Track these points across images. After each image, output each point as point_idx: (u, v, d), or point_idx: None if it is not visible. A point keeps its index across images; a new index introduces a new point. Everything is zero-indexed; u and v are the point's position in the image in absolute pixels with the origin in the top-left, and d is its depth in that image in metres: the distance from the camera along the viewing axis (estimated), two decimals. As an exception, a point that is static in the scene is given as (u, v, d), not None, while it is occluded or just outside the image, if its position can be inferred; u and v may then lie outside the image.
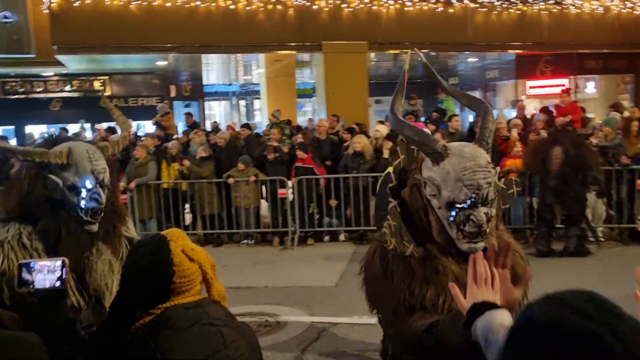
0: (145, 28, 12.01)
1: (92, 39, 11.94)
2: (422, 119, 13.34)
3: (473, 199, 2.10)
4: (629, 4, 14.53)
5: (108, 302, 2.60)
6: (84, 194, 2.61)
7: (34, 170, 2.65)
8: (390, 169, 4.18)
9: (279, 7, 12.60)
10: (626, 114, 10.14)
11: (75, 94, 17.40)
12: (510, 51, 15.36)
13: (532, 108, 15.39)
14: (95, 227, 2.65)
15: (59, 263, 1.88)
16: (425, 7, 13.26)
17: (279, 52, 13.99)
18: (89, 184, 2.62)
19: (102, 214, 2.68)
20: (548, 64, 16.39)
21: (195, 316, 1.63)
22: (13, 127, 16.83)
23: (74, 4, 11.74)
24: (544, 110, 11.34)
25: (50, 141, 2.82)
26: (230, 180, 9.05)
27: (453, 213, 2.13)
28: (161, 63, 16.28)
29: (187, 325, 1.60)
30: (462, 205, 2.11)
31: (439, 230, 2.21)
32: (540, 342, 0.90)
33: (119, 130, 13.33)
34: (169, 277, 1.65)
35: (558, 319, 0.91)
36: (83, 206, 2.61)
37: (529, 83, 16.94)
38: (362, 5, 12.90)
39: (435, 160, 2.20)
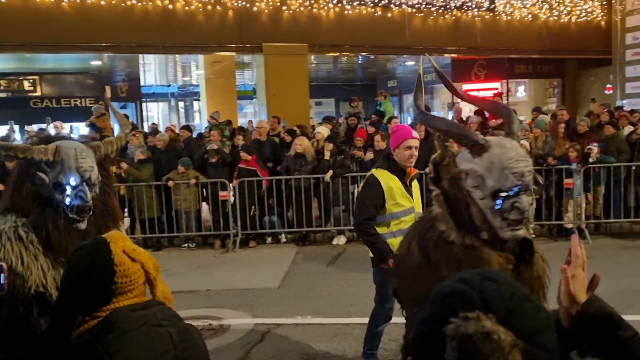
0: (78, 26, 11.60)
1: (21, 37, 11.42)
2: (362, 120, 13.57)
3: (519, 186, 2.18)
4: (555, 12, 15.31)
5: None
6: (68, 191, 2.64)
7: (24, 166, 2.73)
8: (373, 171, 4.09)
9: (218, 8, 12.48)
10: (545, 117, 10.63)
11: (3, 94, 16.60)
12: (446, 55, 15.85)
13: (468, 110, 15.93)
14: (82, 225, 2.67)
15: None
16: (364, 11, 13.49)
17: (219, 53, 13.86)
18: (73, 181, 2.64)
19: (92, 212, 2.70)
20: (482, 68, 17.03)
21: (142, 317, 1.61)
22: None
23: (1, 1, 11.21)
24: (478, 112, 11.75)
25: (44, 138, 2.87)
26: (170, 183, 8.89)
27: (499, 202, 2.19)
28: (96, 63, 15.78)
29: (134, 327, 1.58)
30: (507, 194, 2.19)
31: (482, 220, 2.25)
32: (434, 300, 1.14)
33: (52, 132, 12.83)
34: (110, 277, 1.63)
35: (447, 286, 1.14)
36: (68, 203, 2.64)
37: (465, 86, 17.50)
38: (302, 8, 12.97)
39: (477, 152, 2.26)
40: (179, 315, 1.79)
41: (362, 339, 5.16)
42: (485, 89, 16.84)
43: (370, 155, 9.01)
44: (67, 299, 1.68)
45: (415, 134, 4.12)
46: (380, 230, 4.03)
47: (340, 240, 9.15)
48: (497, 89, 16.66)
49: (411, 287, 2.45)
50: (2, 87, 16.56)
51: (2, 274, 1.82)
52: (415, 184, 4.21)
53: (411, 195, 4.11)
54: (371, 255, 4.16)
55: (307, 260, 8.24)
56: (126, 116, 13.13)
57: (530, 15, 15.07)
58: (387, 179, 4.01)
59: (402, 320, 5.34)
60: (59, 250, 2.64)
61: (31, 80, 16.86)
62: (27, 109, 16.27)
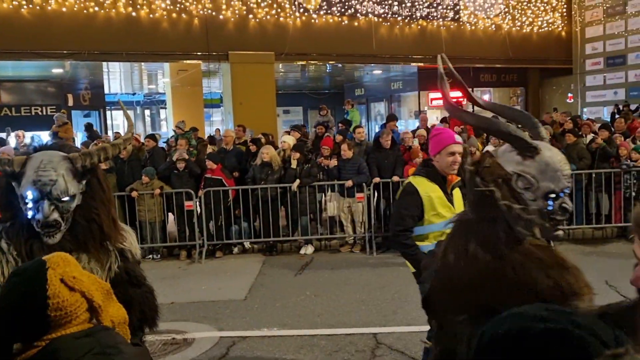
0: (38, 33, 11.33)
1: (-22, 44, 11.10)
2: (331, 128, 13.57)
3: (568, 188, 2.24)
4: (517, 23, 15.64)
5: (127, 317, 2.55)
6: (30, 204, 2.52)
7: (4, 177, 2.63)
8: (410, 179, 3.72)
9: (183, 15, 12.35)
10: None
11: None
12: (413, 64, 16.01)
13: (434, 118, 16.11)
14: (51, 240, 2.52)
15: None
16: (331, 20, 13.53)
17: (185, 61, 13.70)
18: (30, 195, 2.52)
19: (69, 228, 2.57)
20: (447, 77, 17.21)
21: (85, 346, 1.53)
22: None
23: (-43, 6, 10.88)
24: (444, 120, 11.88)
25: (38, 149, 2.76)
26: (134, 194, 8.70)
27: (550, 203, 2.23)
28: (57, 70, 15.42)
29: (76, 356, 1.49)
30: (557, 195, 2.23)
31: (531, 222, 2.24)
32: (515, 352, 0.98)
33: (12, 142, 12.44)
34: (42, 310, 1.52)
35: (527, 328, 1.00)
36: (30, 217, 2.54)
37: (431, 95, 17.72)
38: (269, 17, 12.94)
39: (530, 154, 2.26)
40: (126, 340, 1.70)
41: (328, 350, 5.11)
42: (452, 96, 17.05)
43: (334, 162, 9.00)
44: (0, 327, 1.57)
45: (458, 138, 3.78)
46: (420, 243, 3.68)
47: (308, 249, 9.09)
48: (463, 97, 16.90)
49: (469, 294, 2.27)
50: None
51: None
52: (456, 193, 3.83)
53: (453, 205, 3.75)
54: (412, 270, 3.81)
55: (274, 270, 8.15)
56: (91, 125, 12.89)
57: (493, 26, 15.36)
58: (426, 188, 3.68)
59: (405, 329, 5.36)
60: None
61: (-10, 88, 16.38)
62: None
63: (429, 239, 3.68)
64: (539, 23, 16.12)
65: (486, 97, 18.51)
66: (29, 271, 1.59)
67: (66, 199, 2.54)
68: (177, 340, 5.50)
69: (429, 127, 11.66)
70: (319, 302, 6.53)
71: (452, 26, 14.82)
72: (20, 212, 2.57)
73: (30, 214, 2.52)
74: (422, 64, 16.10)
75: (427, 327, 5.45)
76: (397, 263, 8.25)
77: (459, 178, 3.81)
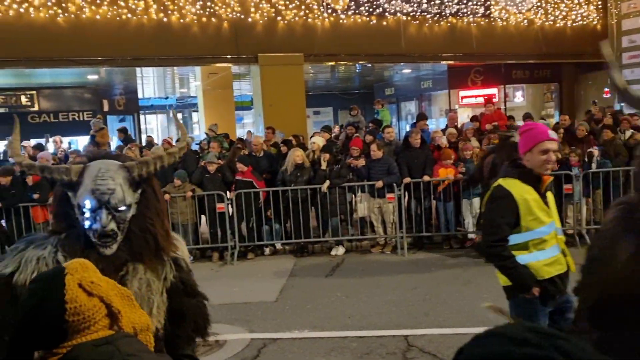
0: (73, 41, 11.60)
1: (17, 52, 11.43)
2: (361, 128, 13.54)
3: None
4: (550, 17, 15.31)
5: (151, 324, 2.46)
6: (87, 214, 2.46)
7: (59, 186, 2.59)
8: (500, 182, 3.36)
9: (213, 19, 12.49)
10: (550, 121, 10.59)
11: (1, 110, 16.60)
12: (442, 62, 15.83)
13: (465, 117, 15.91)
14: (107, 251, 2.46)
15: None
16: (359, 20, 13.49)
17: (215, 64, 13.85)
18: (88, 204, 2.46)
19: (120, 238, 2.48)
20: (478, 74, 17.01)
21: (105, 353, 1.52)
22: None
23: (-3, 17, 11.24)
24: (474, 119, 11.72)
25: (91, 157, 2.69)
26: (166, 197, 8.84)
27: None
28: (93, 77, 15.79)
29: None
30: None
31: None
32: None
33: (50, 148, 12.75)
34: (60, 315, 1.52)
35: (508, 353, 0.92)
36: (87, 227, 2.47)
37: (462, 93, 17.51)
38: (297, 18, 12.98)
39: None
40: (148, 348, 1.72)
41: (359, 352, 5.10)
42: (483, 94, 16.83)
43: (362, 162, 8.96)
44: (19, 334, 1.58)
45: (553, 134, 3.41)
46: (517, 253, 3.31)
47: (339, 250, 9.09)
48: (494, 94, 16.63)
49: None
50: (-1, 103, 16.57)
51: None
52: (549, 195, 3.48)
53: (548, 207, 3.39)
54: (504, 284, 3.45)
55: (305, 271, 8.17)
56: (125, 130, 13.14)
57: (525, 21, 15.06)
58: (520, 190, 3.30)
59: (437, 331, 5.31)
60: (102, 274, 2.56)
61: (29, 95, 16.87)
62: (25, 124, 16.23)
63: (528, 248, 3.32)
64: (573, 17, 15.73)
65: (519, 94, 18.21)
66: (48, 277, 1.61)
67: (123, 208, 2.49)
68: (209, 342, 5.54)
69: (458, 126, 11.50)
70: (350, 304, 6.52)
71: (482, 22, 14.58)
72: (76, 222, 2.53)
73: (87, 224, 2.47)
74: (452, 62, 15.91)
75: (460, 329, 5.40)
76: (428, 264, 8.19)
77: (552, 178, 3.51)
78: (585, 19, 15.80)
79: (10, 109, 16.62)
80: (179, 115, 24.68)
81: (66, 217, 2.55)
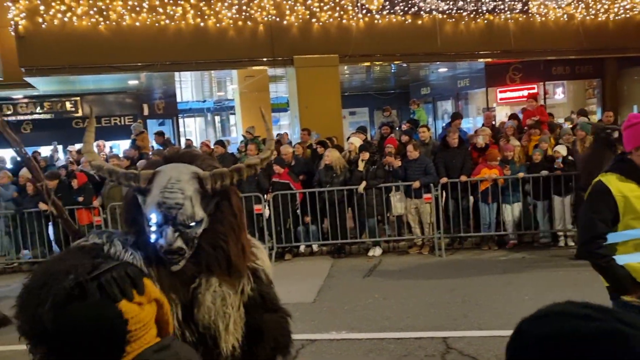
0: (114, 48, 11.93)
1: (61, 60, 11.82)
2: (396, 129, 13.49)
3: None
4: (591, 11, 14.90)
5: (225, 341, 2.35)
6: (153, 227, 2.28)
7: (132, 190, 2.41)
8: (600, 177, 3.17)
9: (249, 23, 12.64)
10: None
11: (47, 116, 17.18)
12: (480, 60, 15.60)
13: (503, 115, 15.65)
14: (174, 267, 2.28)
15: None
16: (394, 20, 13.42)
17: (251, 67, 14.01)
18: (154, 218, 2.27)
19: (189, 254, 2.29)
20: (517, 72, 16.70)
21: (169, 357, 1.50)
22: (-18, 151, 16.53)
23: (42, 26, 11.63)
24: (513, 117, 11.51)
25: (167, 157, 2.49)
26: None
27: None
28: (133, 82, 16.17)
29: None
30: None
31: None
32: (565, 354, 0.92)
33: (60, 156, 13.01)
34: (122, 327, 1.41)
35: (577, 329, 0.93)
36: (152, 240, 2.28)
37: (499, 90, 17.22)
38: (332, 19, 13.01)
39: None
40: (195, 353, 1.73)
41: (397, 354, 5.08)
42: (522, 92, 16.53)
43: (398, 162, 8.92)
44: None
45: None
46: (616, 253, 3.12)
47: (376, 251, 9.07)
48: (537, 93, 16.28)
49: None
50: (45, 109, 17.14)
51: None
52: None
53: None
54: (605, 284, 3.25)
55: (342, 272, 8.18)
56: (162, 133, 13.40)
57: (565, 16, 14.70)
58: (620, 186, 3.11)
59: (476, 334, 5.25)
60: (172, 286, 2.31)
61: (73, 101, 17.39)
62: (70, 129, 16.78)
63: (628, 248, 3.10)
64: (615, 9, 15.27)
65: (559, 90, 17.79)
66: (94, 300, 1.44)
67: (192, 224, 2.26)
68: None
69: (496, 125, 11.31)
70: (388, 305, 6.51)
71: (520, 18, 14.30)
72: (144, 230, 2.33)
73: (153, 237, 2.28)
74: (489, 60, 15.67)
75: (500, 332, 5.32)
76: (467, 265, 8.09)
77: None
78: (628, 11, 15.31)
79: (56, 115, 17.19)
80: (217, 118, 25.08)
81: (134, 224, 2.38)
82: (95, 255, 2.07)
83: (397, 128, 12.58)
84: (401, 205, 8.98)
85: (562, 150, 8.53)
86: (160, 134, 13.27)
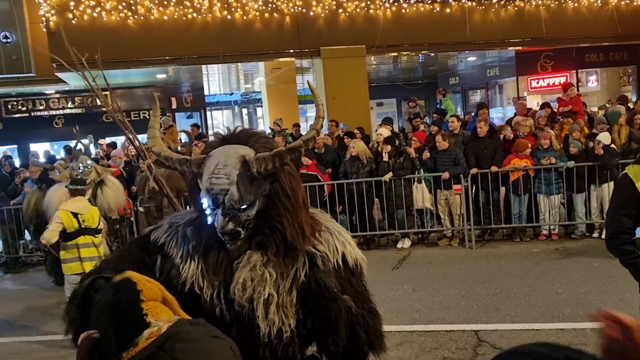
0: (143, 42, 12.04)
1: (91, 55, 11.94)
2: (428, 120, 13.34)
3: None
4: (627, -4, 14.45)
5: (264, 321, 2.37)
6: (208, 210, 2.39)
7: (193, 175, 2.52)
8: (627, 169, 3.05)
9: (275, 15, 12.60)
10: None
11: (78, 110, 17.46)
12: (510, 48, 15.29)
13: (534, 104, 15.33)
14: (231, 247, 2.39)
15: None
16: (422, 9, 13.23)
17: (278, 59, 13.99)
18: (205, 202, 2.37)
19: (245, 235, 2.38)
20: (548, 60, 16.31)
21: (203, 328, 1.64)
22: (16, 146, 16.92)
23: (72, 21, 11.80)
24: (546, 106, 11.26)
25: (222, 138, 2.55)
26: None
27: None
28: (161, 76, 16.31)
29: (200, 337, 1.60)
30: None
31: None
32: None
33: (119, 145, 13.31)
34: (137, 302, 1.62)
35: None
36: (209, 222, 2.40)
37: (531, 79, 16.87)
38: (359, 10, 12.89)
39: None
40: None
41: (428, 347, 5.03)
42: (554, 80, 16.18)
43: (426, 155, 8.81)
44: (105, 339, 1.64)
45: None
46: None
47: (405, 243, 9.00)
48: (566, 79, 15.91)
49: None
50: (76, 103, 17.42)
51: None
52: None
53: None
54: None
55: (371, 264, 8.04)
56: (197, 125, 13.48)
57: (599, 1, 14.28)
58: None
59: (509, 327, 5.16)
60: (216, 262, 2.43)
61: (103, 96, 17.63)
62: (100, 124, 17.04)
63: None
64: (652, -6, 14.79)
65: (593, 78, 17.33)
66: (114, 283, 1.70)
67: (243, 207, 2.32)
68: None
69: (527, 114, 11.06)
70: (417, 297, 6.45)
71: (552, 5, 13.94)
72: (203, 210, 2.45)
73: (209, 219, 2.38)
74: (520, 48, 15.33)
75: (533, 325, 5.22)
76: (498, 257, 7.97)
77: None
78: (665, -4, 14.80)
79: (86, 109, 17.45)
80: (244, 111, 25.20)
81: (196, 203, 2.48)
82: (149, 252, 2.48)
83: (414, 118, 12.44)
84: (425, 197, 8.83)
85: (604, 138, 8.27)
86: (195, 126, 13.38)
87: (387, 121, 10.99)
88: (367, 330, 2.55)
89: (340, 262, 2.56)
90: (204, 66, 15.03)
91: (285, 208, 2.39)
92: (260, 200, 2.36)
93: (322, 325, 2.46)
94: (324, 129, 11.29)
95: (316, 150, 9.81)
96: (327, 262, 2.49)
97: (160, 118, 14.27)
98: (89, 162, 7.08)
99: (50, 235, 5.86)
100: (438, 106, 13.67)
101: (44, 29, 12.07)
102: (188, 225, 2.54)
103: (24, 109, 16.93)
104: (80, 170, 6.98)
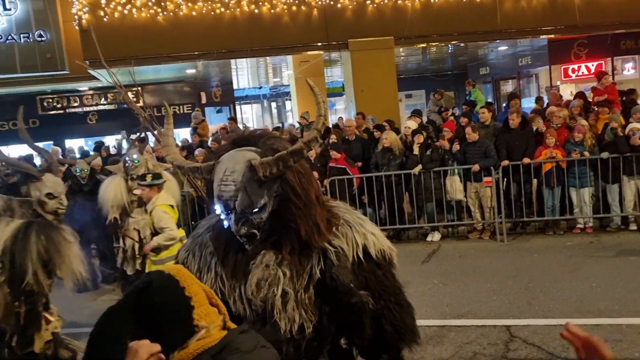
0: (172, 38, 12.18)
1: (122, 52, 12.15)
2: (458, 111, 13.17)
3: None
4: (665, -21, 13.95)
5: (283, 319, 2.40)
6: (222, 215, 2.45)
7: (206, 181, 2.61)
8: None
9: (303, 8, 12.59)
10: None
11: (111, 107, 17.79)
12: (542, 36, 14.95)
13: (568, 93, 14.98)
14: (248, 247, 2.44)
15: None
16: (451, -2, 13.03)
17: (306, 52, 13.98)
18: (218, 208, 2.43)
19: (261, 236, 2.42)
20: (582, 47, 15.90)
21: (253, 339, 1.67)
22: (52, 142, 17.31)
23: (103, 19, 12.00)
24: (579, 95, 10.99)
25: (234, 141, 2.58)
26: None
27: None
28: (191, 71, 16.48)
29: (250, 347, 1.63)
30: None
31: None
32: None
33: (151, 142, 13.53)
34: (187, 305, 1.62)
35: None
36: (226, 226, 2.45)
37: (564, 68, 16.48)
38: (387, 1, 12.77)
39: None
40: None
41: (458, 342, 4.98)
42: (588, 68, 15.77)
43: (456, 147, 8.69)
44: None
45: None
46: None
47: (435, 236, 8.93)
48: (601, 67, 15.48)
49: None
50: (109, 100, 17.75)
51: None
52: None
53: None
54: None
55: (400, 258, 8.00)
56: (234, 119, 13.57)
57: (635, -15, 13.84)
58: None
59: (541, 322, 5.09)
60: (235, 263, 2.47)
61: (134, 92, 17.90)
62: (132, 119, 17.30)
63: None
64: (692, -23, 14.25)
65: (629, 66, 16.83)
66: (160, 278, 1.69)
67: (255, 210, 2.36)
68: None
69: (561, 104, 10.81)
70: (447, 292, 6.40)
71: (586, -9, 13.59)
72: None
73: (225, 224, 2.44)
74: (552, 36, 14.97)
75: (566, 320, 5.11)
76: (530, 250, 7.84)
77: None
78: None
79: (119, 105, 17.76)
80: (273, 105, 25.28)
81: (214, 209, 2.54)
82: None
83: (444, 111, 12.28)
84: (458, 189, 8.73)
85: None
86: (233, 120, 13.50)
87: (416, 113, 10.89)
88: (394, 324, 2.54)
89: (362, 255, 2.56)
90: (232, 60, 15.12)
91: (297, 207, 2.42)
92: (272, 202, 2.39)
93: (344, 320, 2.45)
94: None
95: (347, 138, 9.82)
96: (343, 257, 2.49)
97: (192, 113, 14.43)
98: (134, 156, 6.93)
99: (175, 233, 5.41)
100: (467, 97, 13.48)
101: (77, 27, 12.31)
102: (208, 231, 2.60)
103: (59, 106, 17.33)
104: (127, 165, 6.82)
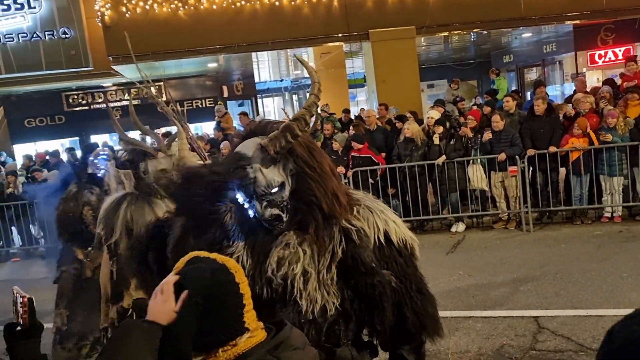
0: (194, 32, 12.24)
1: (145, 47, 12.25)
2: (481, 100, 13.00)
3: None
4: (696, -40, 13.54)
5: (305, 299, 2.39)
6: (245, 204, 2.47)
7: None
8: None
9: (323, -1, 12.54)
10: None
11: (134, 102, 17.96)
12: (568, 22, 14.63)
13: (594, 80, 14.68)
14: (275, 230, 2.44)
15: (19, 299, 1.63)
16: (473, -15, 12.83)
17: (326, 44, 13.92)
18: (240, 197, 2.44)
19: (287, 216, 2.42)
20: (609, 32, 15.53)
21: (301, 335, 1.71)
22: (77, 138, 17.59)
23: (125, 15, 12.11)
24: (608, 82, 10.74)
25: (244, 136, 2.60)
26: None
27: None
28: (212, 65, 16.55)
29: (302, 345, 1.67)
30: None
31: None
32: None
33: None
34: (241, 302, 1.62)
35: None
36: (251, 215, 2.47)
37: (590, 54, 16.13)
38: (408, -10, 12.63)
39: None
40: None
41: (485, 333, 4.93)
42: (615, 54, 15.41)
43: (488, 135, 8.53)
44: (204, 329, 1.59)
45: None
46: None
47: (459, 227, 8.84)
48: (629, 52, 15.12)
49: None
50: (132, 95, 17.93)
51: (18, 305, 1.62)
52: None
53: None
54: None
55: (424, 249, 7.93)
56: (246, 114, 13.63)
57: (665, -33, 13.46)
58: None
59: (570, 313, 5.01)
60: (259, 244, 2.48)
61: (157, 87, 18.06)
62: (155, 113, 17.45)
63: None
64: None
65: (659, 51, 16.38)
66: (209, 267, 1.65)
67: (274, 190, 2.38)
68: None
69: (588, 90, 10.58)
70: (473, 282, 6.34)
71: (612, -26, 13.26)
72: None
73: (250, 212, 2.44)
74: (578, 22, 14.64)
75: (597, 311, 5.03)
76: (557, 240, 7.72)
77: None
78: None
79: (143, 100, 17.93)
80: (294, 97, 25.28)
81: (233, 201, 2.55)
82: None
83: (460, 101, 12.11)
84: (481, 178, 8.61)
85: None
86: (244, 114, 13.54)
87: (438, 103, 10.78)
88: (416, 311, 2.52)
89: (383, 240, 2.54)
90: (253, 53, 15.14)
91: (314, 179, 2.43)
92: (290, 180, 2.41)
93: (366, 303, 2.45)
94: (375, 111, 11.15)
95: (368, 127, 9.78)
96: (364, 237, 2.48)
97: (215, 107, 14.47)
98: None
99: None
100: (491, 86, 13.30)
101: (100, 24, 12.44)
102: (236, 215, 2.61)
103: (84, 102, 17.59)
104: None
